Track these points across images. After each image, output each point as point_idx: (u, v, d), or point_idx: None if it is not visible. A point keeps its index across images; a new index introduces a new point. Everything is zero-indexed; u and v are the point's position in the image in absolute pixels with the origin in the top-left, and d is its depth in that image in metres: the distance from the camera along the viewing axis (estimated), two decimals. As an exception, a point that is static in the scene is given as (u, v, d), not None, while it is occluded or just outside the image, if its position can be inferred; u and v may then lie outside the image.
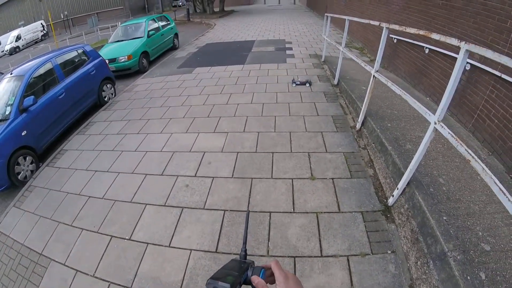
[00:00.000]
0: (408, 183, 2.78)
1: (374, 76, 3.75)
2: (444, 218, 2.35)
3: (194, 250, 3.03)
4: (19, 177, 5.29)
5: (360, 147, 4.09)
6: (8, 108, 5.51)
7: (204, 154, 4.41)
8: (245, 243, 0.98)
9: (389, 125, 3.92)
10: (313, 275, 2.57)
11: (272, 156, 4.13)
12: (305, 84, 6.42)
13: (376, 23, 3.86)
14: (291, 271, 2.58)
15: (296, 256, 2.76)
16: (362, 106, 4.21)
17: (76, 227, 3.72)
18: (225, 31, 16.64)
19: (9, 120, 5.30)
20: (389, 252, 2.66)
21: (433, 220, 2.33)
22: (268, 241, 2.95)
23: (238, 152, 4.32)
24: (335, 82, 6.25)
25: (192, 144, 4.72)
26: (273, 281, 0.83)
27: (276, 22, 17.83)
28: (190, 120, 5.50)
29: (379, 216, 3.00)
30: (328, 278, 2.52)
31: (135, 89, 8.10)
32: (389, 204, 3.07)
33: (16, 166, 5.25)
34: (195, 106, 6.13)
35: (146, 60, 10.64)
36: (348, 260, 2.63)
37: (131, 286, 2.88)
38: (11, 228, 4.19)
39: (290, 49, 10.03)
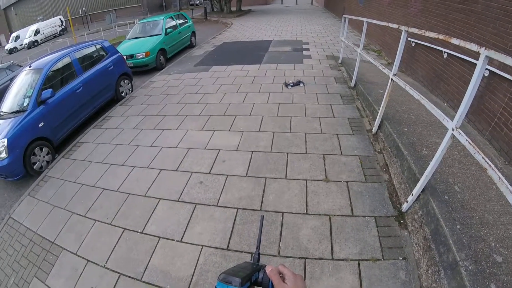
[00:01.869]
0: (423, 190, 2.79)
1: (392, 79, 3.77)
2: (458, 227, 2.35)
3: (205, 246, 3.11)
4: (34, 167, 5.52)
5: (376, 151, 4.10)
6: (26, 100, 5.78)
7: (219, 152, 4.50)
8: (258, 246, 1.03)
9: (405, 129, 3.92)
10: (323, 277, 2.60)
11: (287, 157, 4.18)
12: (298, 84, 6.66)
13: (395, 26, 3.88)
14: (301, 272, 2.64)
15: (307, 258, 2.79)
16: (379, 109, 4.22)
17: (89, 218, 3.86)
18: (242, 30, 16.83)
19: (27, 112, 5.55)
20: (401, 258, 2.66)
21: (446, 228, 2.33)
22: (280, 241, 3.00)
23: (253, 151, 4.39)
24: (352, 84, 6.27)
25: (207, 141, 4.82)
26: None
27: (293, 23, 17.91)
28: (206, 118, 5.62)
29: (392, 221, 3.01)
30: (338, 282, 2.55)
31: (152, 85, 8.30)
32: (402, 210, 3.07)
33: (32, 157, 5.49)
34: (211, 104, 6.25)
35: (163, 58, 10.88)
36: (358, 264, 2.65)
37: (141, 278, 2.97)
38: (25, 216, 4.38)
39: (307, 50, 10.08)
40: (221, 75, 8.14)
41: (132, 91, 8.48)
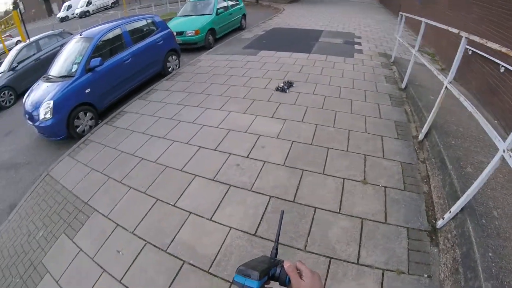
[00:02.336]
0: (462, 209, 2.64)
1: (446, 87, 3.55)
2: (490, 254, 2.22)
3: (233, 228, 3.15)
4: (77, 130, 5.86)
5: (419, 159, 3.89)
6: (75, 66, 6.12)
7: (259, 137, 4.49)
8: (277, 241, 1.02)
9: (453, 142, 3.71)
10: (345, 280, 2.56)
11: (327, 152, 4.09)
12: (291, 85, 6.30)
13: (455, 30, 3.61)
14: (324, 272, 2.62)
15: (332, 258, 2.74)
16: (428, 116, 4.00)
17: (125, 185, 4.04)
18: (293, 17, 16.56)
19: (74, 78, 5.89)
20: (425, 276, 2.53)
21: (478, 253, 2.22)
22: (308, 236, 2.96)
23: (293, 141, 4.34)
24: (403, 86, 5.98)
25: (248, 125, 4.84)
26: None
27: (346, 14, 17.35)
28: (250, 102, 5.64)
29: (424, 236, 2.87)
30: (359, 287, 2.50)
31: (199, 63, 8.45)
32: (437, 226, 2.92)
33: (76, 120, 5.83)
34: (256, 88, 6.25)
35: (212, 37, 11.03)
36: (383, 274, 2.57)
37: (166, 249, 3.08)
38: (62, 175, 4.68)
39: (359, 44, 9.75)
40: (268, 60, 8.10)
41: (179, 67, 8.70)
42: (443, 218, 2.83)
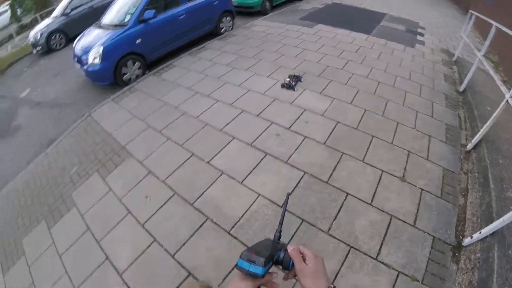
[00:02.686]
0: (493, 233, 2.50)
1: (507, 101, 3.24)
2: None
3: (262, 196, 3.17)
4: (124, 78, 6.07)
5: (462, 170, 3.64)
6: (128, 16, 6.24)
7: (304, 111, 4.40)
8: (281, 224, 1.03)
9: (500, 161, 3.43)
10: (360, 272, 2.54)
11: (371, 140, 3.91)
12: (299, 79, 5.35)
13: None
14: (342, 257, 2.63)
15: (353, 247, 2.71)
16: (481, 127, 3.72)
17: (164, 135, 4.18)
18: (355, -5, 15.81)
19: (127, 27, 6.02)
20: None
21: (496, 284, 2.14)
22: (334, 220, 2.93)
23: (338, 122, 4.21)
24: (461, 88, 5.54)
25: (295, 97, 4.74)
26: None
27: (413, 2, 16.31)
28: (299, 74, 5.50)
29: (448, 250, 2.73)
30: (371, 283, 2.47)
31: (253, 28, 8.34)
32: (463, 244, 2.76)
33: (123, 68, 6.02)
34: (308, 61, 6.07)
35: (269, 4, 10.79)
36: (397, 276, 2.51)
37: (192, 203, 3.19)
38: (104, 118, 4.91)
39: (422, 35, 9.11)
40: (324, 35, 7.81)
41: (232, 29, 8.63)
42: (471, 237, 2.70)
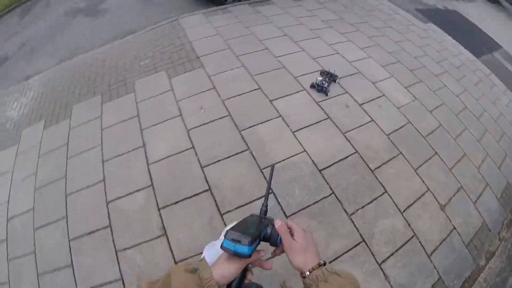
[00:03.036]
0: None
1: None
2: None
3: (306, 152, 3.22)
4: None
5: (500, 234, 3.37)
6: None
7: (382, 96, 4.20)
8: (266, 198, 1.02)
9: None
10: (359, 268, 2.60)
11: (433, 155, 3.66)
12: (334, 80, 4.17)
13: None
14: (350, 246, 2.68)
15: (365, 242, 2.73)
16: None
17: (240, 61, 4.33)
18: None
19: None
20: None
21: None
22: (361, 208, 2.93)
23: (409, 122, 3.97)
24: None
25: (382, 79, 4.54)
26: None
27: None
28: (393, 59, 5.25)
29: None
30: (362, 282, 2.51)
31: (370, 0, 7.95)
32: None
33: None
34: (406, 52, 5.64)
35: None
36: None
37: (241, 131, 3.34)
38: (190, 26, 5.14)
39: None
40: (433, 35, 7.03)
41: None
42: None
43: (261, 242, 0.90)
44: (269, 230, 0.90)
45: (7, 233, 3.18)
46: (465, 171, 3.79)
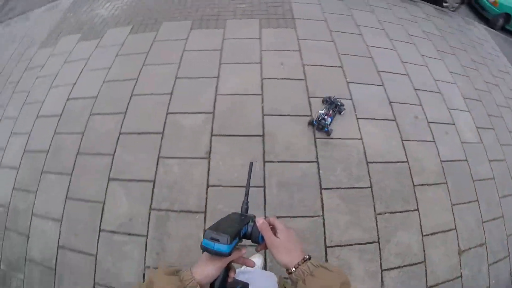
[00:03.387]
0: None
1: None
2: None
3: (362, 141, 3.31)
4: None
5: None
6: None
7: (450, 124, 4.21)
8: (247, 195, 1.00)
9: None
10: (362, 263, 2.68)
11: (475, 199, 3.67)
12: (339, 111, 3.39)
13: None
14: (366, 241, 2.77)
15: (379, 244, 2.80)
16: None
17: (333, 39, 4.35)
18: None
19: None
20: None
21: None
22: (389, 213, 2.99)
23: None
24: None
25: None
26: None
27: None
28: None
29: None
30: (359, 279, 2.61)
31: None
32: None
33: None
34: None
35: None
36: None
37: (309, 97, 3.47)
38: None
39: None
40: None
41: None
42: None
43: (244, 240, 0.91)
44: (249, 228, 0.91)
45: (63, 111, 3.53)
46: (496, 231, 3.73)
